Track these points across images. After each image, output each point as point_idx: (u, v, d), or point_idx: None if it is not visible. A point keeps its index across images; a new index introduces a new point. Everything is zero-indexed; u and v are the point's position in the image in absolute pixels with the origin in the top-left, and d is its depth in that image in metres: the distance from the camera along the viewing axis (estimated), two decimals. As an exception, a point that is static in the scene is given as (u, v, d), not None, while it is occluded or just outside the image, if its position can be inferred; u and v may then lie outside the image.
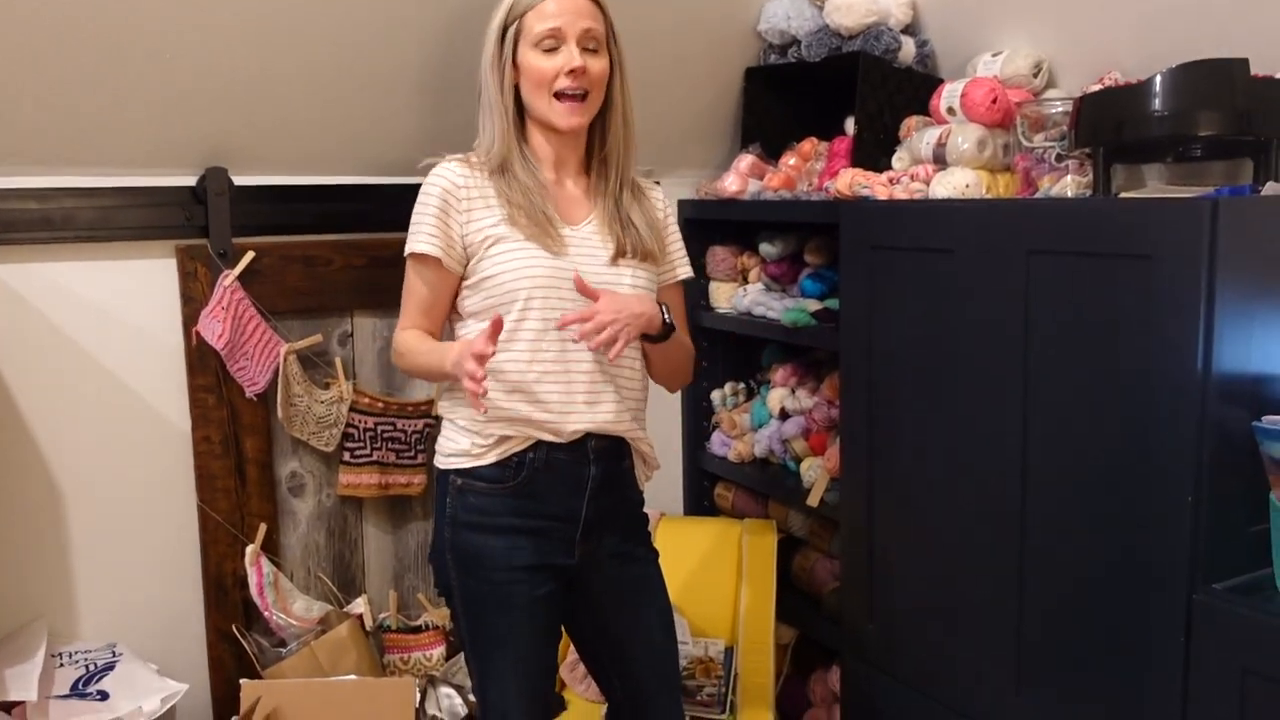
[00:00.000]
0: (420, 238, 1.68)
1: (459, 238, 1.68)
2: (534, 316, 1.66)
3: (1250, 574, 1.47)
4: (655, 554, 1.86)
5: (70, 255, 2.05)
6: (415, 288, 1.72)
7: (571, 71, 1.65)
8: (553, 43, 1.66)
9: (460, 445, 1.71)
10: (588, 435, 1.71)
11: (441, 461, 1.75)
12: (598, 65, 1.68)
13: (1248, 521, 1.47)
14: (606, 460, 1.73)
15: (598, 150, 1.78)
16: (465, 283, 1.71)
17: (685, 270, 1.90)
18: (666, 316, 1.72)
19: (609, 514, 1.76)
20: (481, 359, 1.51)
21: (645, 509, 1.87)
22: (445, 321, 1.77)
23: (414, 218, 1.70)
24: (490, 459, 1.69)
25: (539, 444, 1.69)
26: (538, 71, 1.67)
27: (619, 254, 1.72)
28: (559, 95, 1.67)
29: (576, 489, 1.71)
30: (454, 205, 1.68)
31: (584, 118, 1.70)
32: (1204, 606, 1.43)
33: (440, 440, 1.77)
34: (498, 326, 1.54)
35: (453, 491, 1.72)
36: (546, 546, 1.70)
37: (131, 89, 1.96)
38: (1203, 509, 1.43)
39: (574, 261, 1.68)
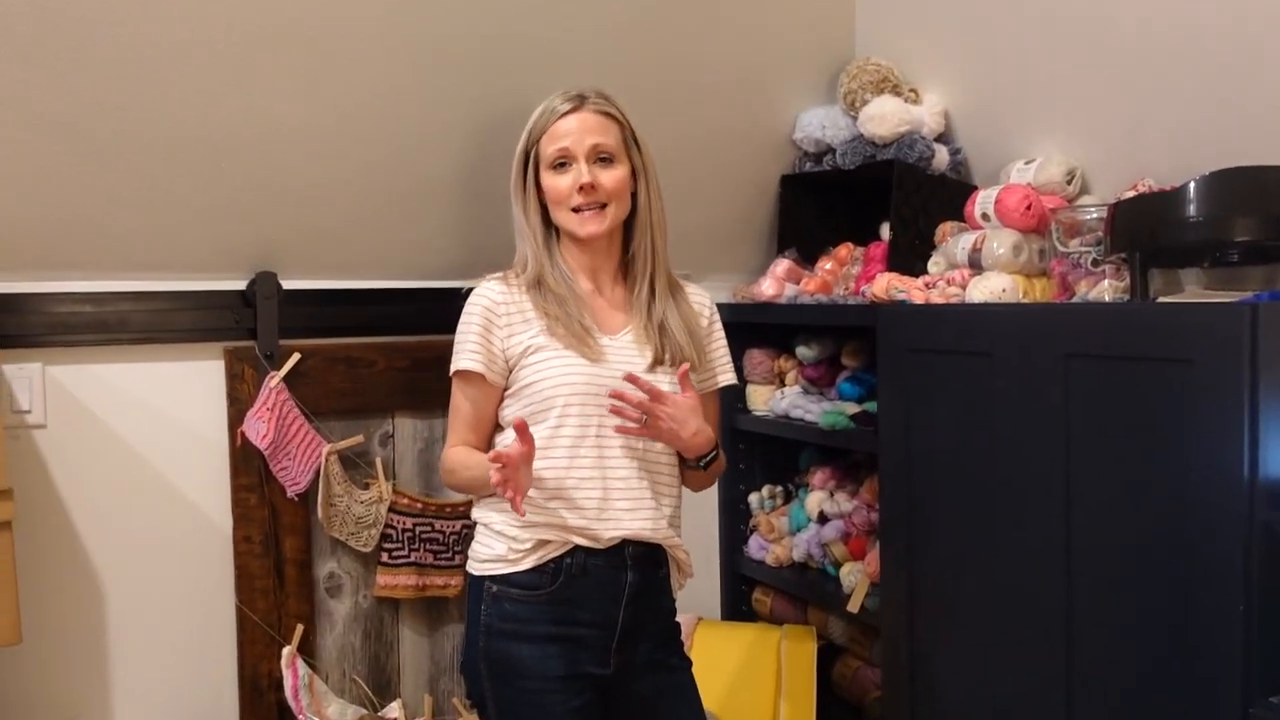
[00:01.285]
0: (464, 356, 1.73)
1: (500, 352, 1.72)
2: (571, 424, 1.68)
3: (1308, 687, 1.42)
4: (688, 663, 1.83)
5: (123, 357, 2.10)
6: (461, 405, 1.76)
7: (582, 188, 1.70)
8: (564, 162, 1.72)
9: (496, 550, 1.71)
10: (625, 542, 1.70)
11: (476, 567, 1.75)
12: (611, 176, 1.73)
13: (1303, 632, 1.43)
14: (643, 567, 1.73)
15: (643, 263, 1.80)
16: (506, 392, 1.74)
17: (727, 377, 1.91)
18: (707, 458, 1.76)
19: (644, 622, 1.74)
20: (512, 461, 1.53)
21: (683, 613, 1.85)
22: (491, 436, 1.79)
23: (458, 337, 1.75)
24: (527, 564, 1.68)
25: (576, 549, 1.68)
26: (554, 191, 1.73)
27: (656, 362, 1.74)
28: (575, 209, 1.73)
29: (613, 596, 1.70)
30: (495, 322, 1.72)
31: (600, 226, 1.73)
32: (1261, 721, 1.39)
33: (474, 546, 1.77)
34: (521, 429, 1.56)
35: (487, 598, 1.70)
36: (582, 655, 1.68)
37: (185, 198, 2.03)
38: (1255, 618, 1.40)
39: (612, 369, 1.70)
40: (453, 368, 1.75)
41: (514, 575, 1.69)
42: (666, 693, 1.78)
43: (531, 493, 1.66)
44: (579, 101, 1.73)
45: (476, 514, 1.78)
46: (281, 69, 1.97)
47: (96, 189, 1.96)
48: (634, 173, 1.77)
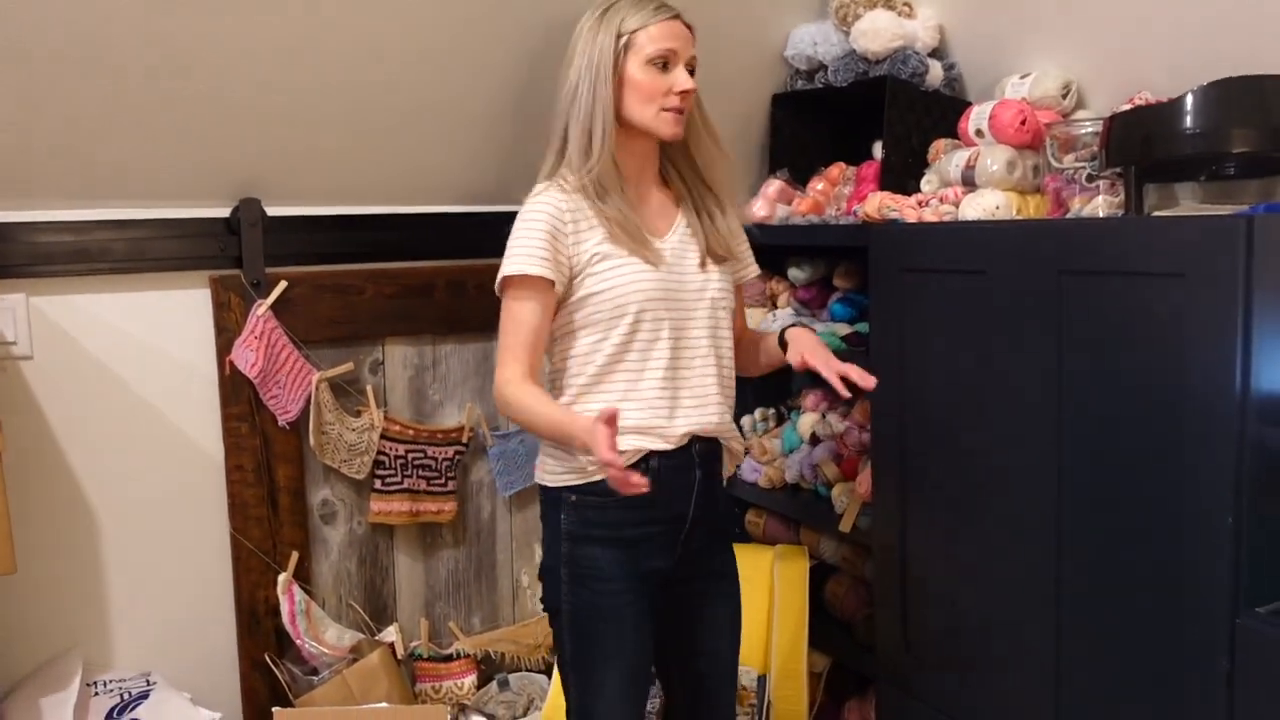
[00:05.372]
0: (532, 261, 1.66)
1: (566, 260, 1.69)
2: (645, 329, 1.70)
3: (1294, 597, 1.44)
4: (734, 568, 1.89)
5: (106, 287, 2.08)
6: (521, 319, 1.69)
7: (683, 93, 1.72)
8: (665, 62, 1.72)
9: (574, 463, 1.72)
10: (693, 439, 1.75)
11: (551, 479, 1.75)
12: (695, 88, 1.76)
13: (1291, 544, 1.44)
14: (707, 462, 1.78)
15: (689, 168, 1.84)
16: (563, 304, 1.71)
17: (756, 268, 1.97)
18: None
19: (707, 512, 1.80)
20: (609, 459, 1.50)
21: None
22: (541, 354, 1.75)
23: (518, 243, 1.68)
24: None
25: (648, 454, 1.71)
26: (650, 86, 1.71)
27: (703, 262, 1.79)
28: (665, 109, 1.73)
29: (684, 493, 1.75)
30: (561, 229, 1.68)
31: (683, 130, 1.76)
32: (1247, 630, 1.40)
33: (544, 459, 1.78)
34: (612, 419, 1.50)
35: (567, 507, 1.73)
36: (652, 550, 1.75)
37: (166, 122, 1.99)
38: (1244, 531, 1.40)
39: (672, 270, 1.75)
40: (514, 271, 1.67)
41: (593, 484, 1.71)
42: (710, 597, 1.85)
43: (605, 399, 1.69)
44: (675, 12, 1.75)
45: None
46: (259, -13, 1.91)
47: (75, 115, 1.91)
48: None
